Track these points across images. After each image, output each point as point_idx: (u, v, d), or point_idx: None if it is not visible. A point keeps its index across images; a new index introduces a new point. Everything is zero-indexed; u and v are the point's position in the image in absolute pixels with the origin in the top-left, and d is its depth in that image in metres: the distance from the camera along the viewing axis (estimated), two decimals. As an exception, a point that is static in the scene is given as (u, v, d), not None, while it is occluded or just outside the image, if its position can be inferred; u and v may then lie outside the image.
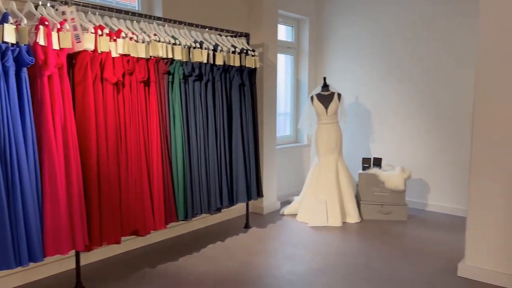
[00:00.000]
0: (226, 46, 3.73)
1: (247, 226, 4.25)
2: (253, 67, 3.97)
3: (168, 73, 3.23)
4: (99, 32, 2.76)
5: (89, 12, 2.89)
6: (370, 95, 5.33)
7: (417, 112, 4.95)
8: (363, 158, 4.87)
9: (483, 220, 2.99)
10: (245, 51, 3.87)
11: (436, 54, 4.76)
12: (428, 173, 4.92)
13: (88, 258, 3.29)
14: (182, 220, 3.39)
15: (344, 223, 4.43)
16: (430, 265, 3.31)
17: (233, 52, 3.76)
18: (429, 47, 4.81)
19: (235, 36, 4.08)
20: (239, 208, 4.64)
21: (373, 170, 4.66)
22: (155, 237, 3.79)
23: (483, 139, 2.96)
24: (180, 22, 3.48)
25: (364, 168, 4.78)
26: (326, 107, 4.62)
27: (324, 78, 4.81)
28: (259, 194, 4.10)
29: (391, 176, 4.50)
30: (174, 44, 3.25)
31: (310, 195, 4.57)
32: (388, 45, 5.12)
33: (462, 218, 4.27)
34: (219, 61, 3.60)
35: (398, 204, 4.52)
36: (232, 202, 3.85)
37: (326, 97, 4.67)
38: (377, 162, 4.81)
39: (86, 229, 2.69)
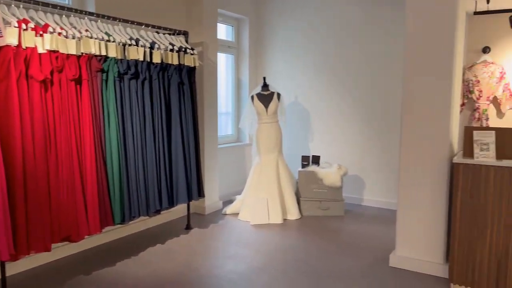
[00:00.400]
0: (163, 44, 3.65)
1: (188, 227, 4.19)
2: (193, 65, 3.92)
3: (102, 70, 3.10)
4: (24, 26, 2.58)
5: (13, 5, 2.69)
6: (308, 96, 5.47)
7: (351, 112, 5.16)
8: (302, 156, 4.99)
9: (411, 213, 3.18)
10: (183, 49, 3.81)
11: (367, 58, 4.99)
12: (362, 169, 5.15)
13: (15, 267, 3.07)
14: (119, 224, 3.27)
15: (284, 220, 4.51)
16: (364, 258, 3.47)
17: (171, 50, 3.69)
18: (360, 51, 5.03)
19: (173, 34, 4.01)
20: (180, 209, 4.56)
21: (312, 168, 4.79)
22: (90, 242, 3.62)
23: (410, 137, 3.14)
24: (115, 18, 3.36)
25: (303, 166, 4.91)
26: (266, 106, 4.68)
27: (264, 78, 4.87)
28: (200, 194, 4.06)
29: (328, 173, 4.65)
30: (108, 40, 3.12)
31: (252, 194, 4.61)
32: (323, 48, 5.29)
33: (395, 211, 4.52)
34: (156, 59, 3.51)
35: (335, 200, 4.68)
36: (172, 203, 3.78)
37: (266, 96, 4.73)
38: (316, 160, 4.95)
39: (11, 236, 2.50)
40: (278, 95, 4.75)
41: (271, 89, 4.81)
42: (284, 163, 4.79)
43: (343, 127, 5.24)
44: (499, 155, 2.75)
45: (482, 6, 4.23)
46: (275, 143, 4.71)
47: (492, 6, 4.21)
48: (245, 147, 5.70)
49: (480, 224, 2.74)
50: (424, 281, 3.01)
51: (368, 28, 4.96)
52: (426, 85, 3.06)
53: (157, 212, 3.65)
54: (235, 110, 5.74)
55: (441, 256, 3.09)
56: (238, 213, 4.67)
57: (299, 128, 5.57)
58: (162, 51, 3.60)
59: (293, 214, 4.58)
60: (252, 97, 4.76)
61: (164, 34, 3.85)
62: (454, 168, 2.83)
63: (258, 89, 4.82)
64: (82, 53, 2.94)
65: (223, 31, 5.53)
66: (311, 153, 5.46)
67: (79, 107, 2.94)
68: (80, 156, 2.95)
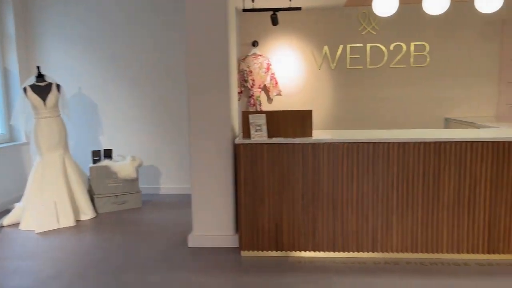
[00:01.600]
0: None
1: (-50, 250, 3.43)
2: None
3: None
4: None
5: None
6: (93, 87, 5.15)
7: (141, 103, 5.12)
8: (92, 151, 4.70)
9: (203, 194, 3.42)
10: None
11: (155, 48, 5.02)
12: (157, 159, 5.21)
13: None
14: None
15: (78, 221, 4.19)
16: (164, 244, 3.55)
17: None
18: (147, 41, 5.01)
19: None
20: None
21: (105, 162, 4.57)
22: None
23: (197, 124, 3.35)
24: None
25: (94, 161, 4.63)
26: (44, 99, 4.19)
27: (38, 67, 4.33)
28: (-36, 207, 3.37)
29: (123, 166, 4.53)
30: None
31: (35, 198, 4.09)
32: (106, 36, 5.04)
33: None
34: None
35: (132, 192, 4.61)
36: None
37: (42, 88, 4.22)
38: (108, 154, 4.74)
39: None
40: (58, 86, 4.31)
41: (48, 79, 4.32)
42: (72, 160, 4.41)
43: (134, 118, 5.16)
44: (270, 134, 3.21)
45: (249, 4, 4.79)
46: (58, 139, 4.27)
47: (256, 5, 4.81)
48: (21, 147, 4.97)
49: (259, 194, 3.17)
50: (219, 253, 3.30)
51: (154, 19, 4.96)
52: (207, 76, 3.30)
53: None
54: (4, 105, 4.92)
55: (231, 228, 3.44)
56: (19, 223, 4.08)
57: (87, 121, 5.20)
58: None
59: (87, 213, 4.29)
60: (25, 89, 4.18)
61: None
62: (236, 149, 3.17)
63: (32, 80, 4.26)
64: None
65: (-22, 11, 4.63)
66: (103, 147, 5.19)
67: None
68: None
